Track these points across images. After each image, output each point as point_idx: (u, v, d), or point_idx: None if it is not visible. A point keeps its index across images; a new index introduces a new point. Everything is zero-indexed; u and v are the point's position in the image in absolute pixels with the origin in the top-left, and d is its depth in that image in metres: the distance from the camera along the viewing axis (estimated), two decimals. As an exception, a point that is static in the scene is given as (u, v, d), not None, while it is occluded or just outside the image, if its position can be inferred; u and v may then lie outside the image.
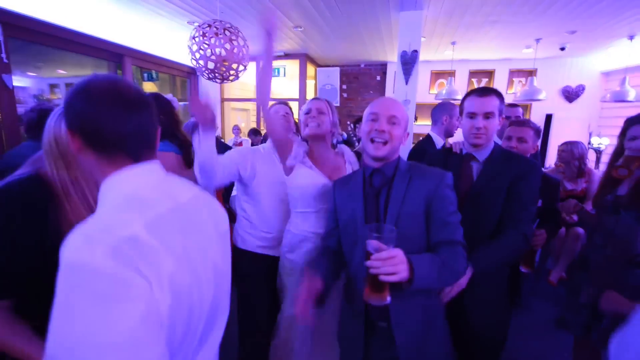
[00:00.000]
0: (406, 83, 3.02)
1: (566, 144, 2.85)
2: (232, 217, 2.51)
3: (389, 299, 0.85)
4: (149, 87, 5.00)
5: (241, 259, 1.53)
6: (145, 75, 4.77)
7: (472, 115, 1.23)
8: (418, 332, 1.00)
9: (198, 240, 0.59)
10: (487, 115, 1.20)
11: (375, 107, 1.03)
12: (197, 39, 2.50)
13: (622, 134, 1.38)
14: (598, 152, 4.06)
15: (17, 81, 2.88)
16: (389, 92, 5.22)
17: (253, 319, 1.53)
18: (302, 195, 1.32)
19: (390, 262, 0.79)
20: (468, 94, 1.28)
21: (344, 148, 1.49)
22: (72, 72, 3.88)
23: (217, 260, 0.64)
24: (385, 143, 1.00)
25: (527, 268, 1.46)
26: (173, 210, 0.57)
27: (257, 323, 1.52)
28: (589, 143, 4.22)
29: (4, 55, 2.47)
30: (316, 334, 1.36)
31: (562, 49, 4.00)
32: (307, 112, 1.37)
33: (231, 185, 2.23)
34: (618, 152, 1.39)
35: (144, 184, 0.58)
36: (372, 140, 1.01)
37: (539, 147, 2.09)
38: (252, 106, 5.45)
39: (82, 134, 0.55)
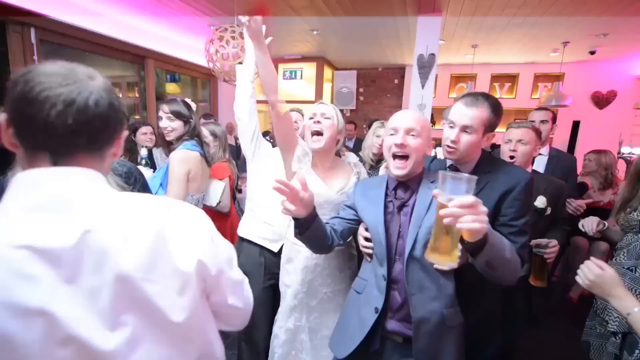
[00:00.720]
0: (422, 87, 2.96)
1: (592, 152, 2.70)
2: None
3: (456, 262, 0.75)
4: (172, 87, 5.17)
5: (243, 249, 1.58)
6: (169, 76, 4.94)
7: (450, 124, 1.09)
8: (434, 345, 0.99)
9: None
10: (465, 129, 1.05)
11: (394, 121, 1.04)
12: (214, 42, 2.56)
13: None
14: (628, 162, 3.81)
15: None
16: (406, 95, 5.14)
17: (256, 314, 1.55)
18: None
19: (474, 210, 0.68)
20: (457, 99, 1.15)
21: (351, 157, 1.46)
22: (101, 73, 4.08)
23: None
24: (406, 158, 1.00)
25: (537, 282, 1.37)
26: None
27: (256, 317, 1.53)
28: (619, 152, 3.97)
29: (35, 57, 2.62)
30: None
31: (593, 52, 3.80)
32: (312, 117, 1.32)
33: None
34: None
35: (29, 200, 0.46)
36: (394, 156, 1.02)
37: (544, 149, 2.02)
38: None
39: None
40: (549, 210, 1.47)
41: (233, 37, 2.50)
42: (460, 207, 0.69)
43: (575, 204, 1.65)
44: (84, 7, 2.89)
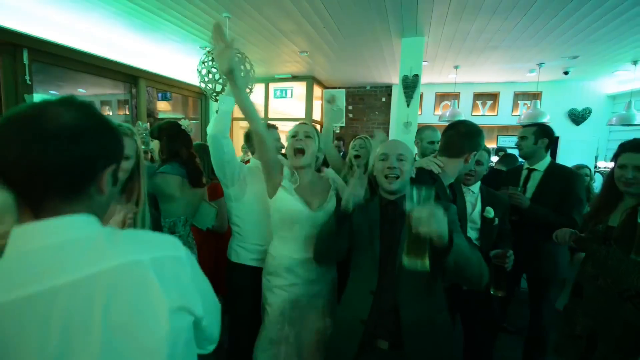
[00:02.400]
0: (408, 106, 3.09)
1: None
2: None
3: (428, 264, 0.88)
4: (163, 106, 5.22)
5: (235, 272, 1.57)
6: (160, 95, 5.00)
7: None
8: (427, 345, 1.06)
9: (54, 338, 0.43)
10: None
11: (385, 149, 1.22)
12: (206, 64, 2.64)
13: (615, 158, 1.38)
14: (604, 176, 3.99)
15: (40, 99, 3.06)
16: (393, 113, 5.30)
17: (244, 334, 1.54)
18: (281, 219, 1.35)
19: (434, 219, 0.83)
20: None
21: (330, 173, 1.51)
22: (91, 91, 4.11)
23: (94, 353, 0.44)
24: (397, 177, 1.15)
25: (498, 292, 1.42)
26: (26, 299, 0.43)
27: (247, 338, 1.51)
28: (596, 166, 4.15)
29: (27, 77, 2.65)
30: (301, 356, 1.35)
31: (566, 73, 4.03)
32: (294, 136, 1.39)
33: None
34: (610, 176, 1.39)
35: (19, 252, 0.46)
36: (386, 177, 1.17)
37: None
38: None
39: None
40: (496, 221, 1.58)
41: (224, 59, 2.59)
42: (423, 213, 0.84)
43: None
44: (76, 28, 2.95)
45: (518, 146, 2.14)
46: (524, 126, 2.15)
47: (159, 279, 0.50)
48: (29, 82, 2.68)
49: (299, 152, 1.36)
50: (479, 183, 1.68)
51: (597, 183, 3.25)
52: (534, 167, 2.05)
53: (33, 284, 0.44)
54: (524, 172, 2.09)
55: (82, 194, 0.50)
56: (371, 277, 1.11)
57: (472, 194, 1.64)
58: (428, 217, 0.82)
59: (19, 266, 0.45)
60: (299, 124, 1.44)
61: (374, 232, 1.14)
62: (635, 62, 3.52)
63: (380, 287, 1.10)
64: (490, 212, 1.57)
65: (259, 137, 1.32)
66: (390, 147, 1.22)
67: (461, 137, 1.37)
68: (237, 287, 1.58)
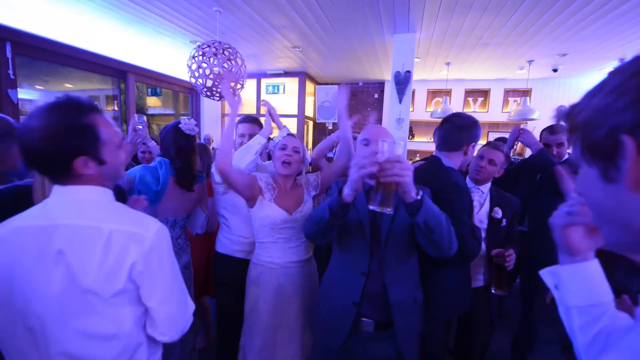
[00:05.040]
0: (400, 102, 3.10)
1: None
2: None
3: (391, 208, 0.90)
4: (152, 101, 5.13)
5: (221, 263, 1.65)
6: (150, 90, 4.91)
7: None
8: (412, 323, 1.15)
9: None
10: None
11: (366, 134, 1.19)
12: (196, 59, 2.60)
13: None
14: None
15: (25, 94, 2.98)
16: (386, 109, 5.31)
17: (230, 323, 1.58)
18: (260, 226, 1.41)
19: (399, 166, 0.87)
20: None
21: (309, 177, 1.56)
22: (78, 87, 4.01)
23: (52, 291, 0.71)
24: None
25: (499, 290, 1.45)
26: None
27: (234, 328, 1.54)
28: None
29: (10, 71, 2.57)
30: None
31: (555, 70, 4.09)
32: (282, 148, 1.44)
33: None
34: None
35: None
36: None
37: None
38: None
39: None
40: (504, 222, 1.58)
41: (215, 54, 2.55)
42: (390, 162, 0.87)
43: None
44: (63, 21, 2.87)
45: (562, 155, 2.00)
46: (556, 133, 2.01)
47: None
48: (12, 76, 2.60)
49: (286, 163, 1.43)
50: (489, 183, 1.66)
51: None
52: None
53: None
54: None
55: None
56: (363, 260, 1.13)
57: (482, 193, 1.62)
58: (393, 165, 0.86)
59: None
60: (288, 135, 1.48)
61: (365, 215, 1.13)
62: (621, 60, 3.59)
63: (370, 270, 1.14)
64: (498, 212, 1.57)
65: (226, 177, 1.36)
66: (372, 132, 1.17)
67: (457, 130, 1.36)
68: (222, 277, 1.65)
